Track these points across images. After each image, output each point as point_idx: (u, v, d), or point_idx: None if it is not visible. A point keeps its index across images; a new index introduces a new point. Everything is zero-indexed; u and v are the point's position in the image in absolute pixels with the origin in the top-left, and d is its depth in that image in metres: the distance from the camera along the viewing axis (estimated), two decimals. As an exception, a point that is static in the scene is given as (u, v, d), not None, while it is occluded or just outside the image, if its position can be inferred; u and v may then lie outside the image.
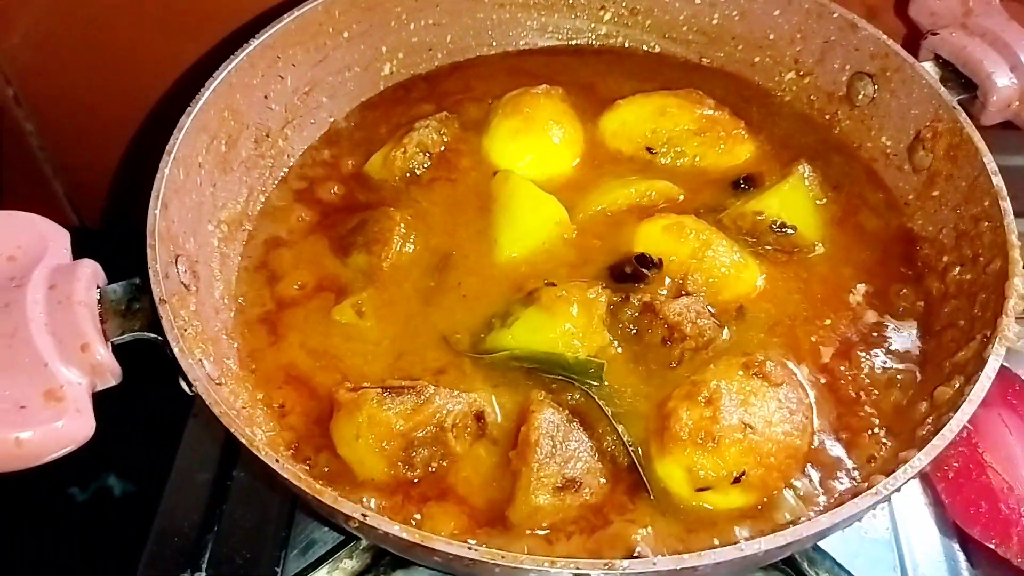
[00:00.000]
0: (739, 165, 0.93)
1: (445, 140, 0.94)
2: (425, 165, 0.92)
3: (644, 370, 0.78)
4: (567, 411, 0.73)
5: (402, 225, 0.87)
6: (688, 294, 0.80)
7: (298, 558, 0.85)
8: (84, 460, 1.26)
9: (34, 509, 1.25)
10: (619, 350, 0.79)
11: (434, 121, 0.94)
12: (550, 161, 0.93)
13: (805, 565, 0.81)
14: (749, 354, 0.77)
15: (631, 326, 0.79)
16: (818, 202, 0.89)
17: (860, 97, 0.92)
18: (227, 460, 0.92)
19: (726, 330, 0.80)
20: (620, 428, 0.73)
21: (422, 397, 0.73)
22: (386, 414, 0.72)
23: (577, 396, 0.75)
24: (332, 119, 0.99)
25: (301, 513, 0.87)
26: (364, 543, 0.82)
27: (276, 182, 0.93)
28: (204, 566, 0.85)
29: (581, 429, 0.73)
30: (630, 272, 0.82)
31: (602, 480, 0.71)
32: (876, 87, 0.91)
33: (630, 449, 0.72)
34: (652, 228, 0.85)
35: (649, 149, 0.93)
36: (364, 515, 0.60)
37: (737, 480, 0.69)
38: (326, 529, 0.86)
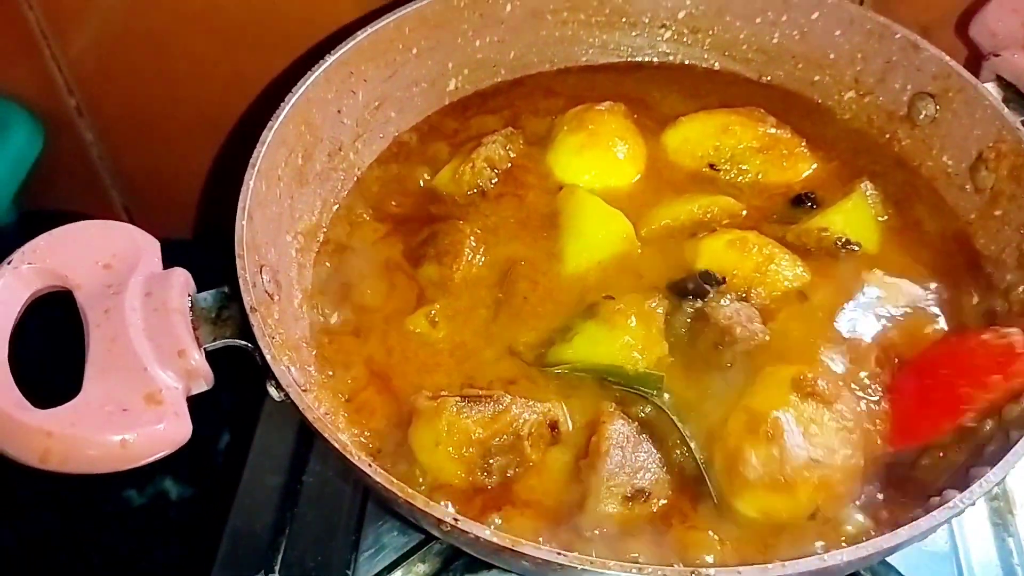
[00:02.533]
0: (800, 182, 0.94)
1: (511, 156, 0.96)
2: (492, 181, 0.94)
3: (700, 374, 0.80)
4: (636, 423, 0.75)
5: (472, 238, 0.89)
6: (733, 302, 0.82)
7: (368, 561, 0.87)
8: (141, 463, 1.29)
9: (91, 511, 1.27)
10: (671, 359, 0.80)
11: (500, 137, 0.96)
12: (613, 175, 0.94)
13: (868, 577, 0.83)
14: (797, 367, 0.77)
15: (684, 332, 0.81)
16: (880, 219, 0.91)
17: (921, 117, 0.94)
18: (296, 465, 0.94)
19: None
20: (693, 445, 0.75)
21: (500, 406, 0.75)
22: (465, 422, 0.74)
23: (648, 409, 0.77)
24: (398, 133, 1.01)
25: (369, 518, 0.90)
26: (436, 547, 0.84)
27: (347, 194, 0.96)
28: (277, 568, 0.87)
29: (650, 441, 0.74)
30: (692, 288, 0.83)
31: (669, 492, 0.73)
32: (938, 107, 0.92)
33: (702, 466, 0.74)
34: (716, 243, 0.87)
35: (712, 165, 0.95)
36: (456, 519, 0.62)
37: (812, 517, 0.71)
38: (395, 533, 0.88)
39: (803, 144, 0.95)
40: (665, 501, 0.73)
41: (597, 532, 0.71)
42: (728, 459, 0.74)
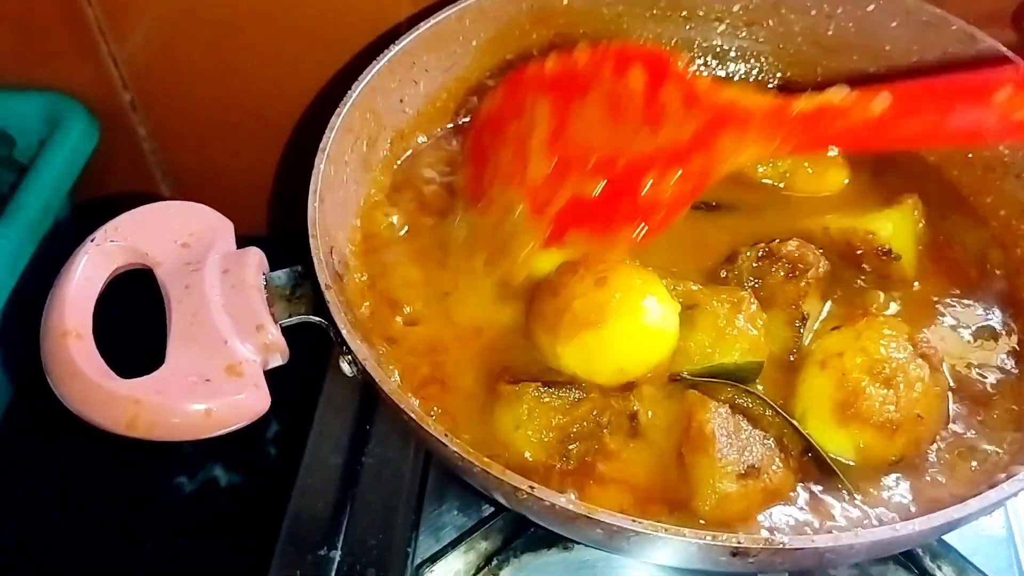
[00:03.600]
0: (828, 196, 0.94)
1: None
2: None
3: (778, 314, 0.82)
4: (728, 405, 0.76)
5: None
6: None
7: (428, 539, 0.88)
8: (191, 450, 1.32)
9: (143, 498, 1.29)
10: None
11: None
12: None
13: (928, 560, 0.83)
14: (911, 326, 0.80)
15: (752, 279, 0.83)
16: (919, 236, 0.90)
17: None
18: (356, 445, 0.96)
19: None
20: (795, 423, 0.76)
21: (582, 393, 0.76)
22: (546, 407, 0.75)
23: (733, 394, 0.78)
24: (455, 124, 1.02)
25: (429, 497, 0.91)
26: (498, 524, 0.85)
27: (405, 182, 0.97)
28: (340, 545, 0.89)
29: (744, 420, 0.75)
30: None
31: (776, 465, 0.74)
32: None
33: (808, 436, 0.76)
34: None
35: None
36: (532, 487, 0.63)
37: (894, 463, 0.74)
38: (455, 512, 0.90)
39: (835, 151, 0.94)
40: (775, 477, 0.74)
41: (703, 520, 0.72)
42: (845, 393, 0.75)
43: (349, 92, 0.87)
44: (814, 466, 0.75)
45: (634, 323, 0.75)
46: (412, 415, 0.67)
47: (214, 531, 1.26)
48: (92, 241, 0.74)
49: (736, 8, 1.04)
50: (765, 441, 0.75)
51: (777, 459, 0.74)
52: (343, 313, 0.73)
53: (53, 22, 1.18)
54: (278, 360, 0.74)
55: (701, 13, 1.05)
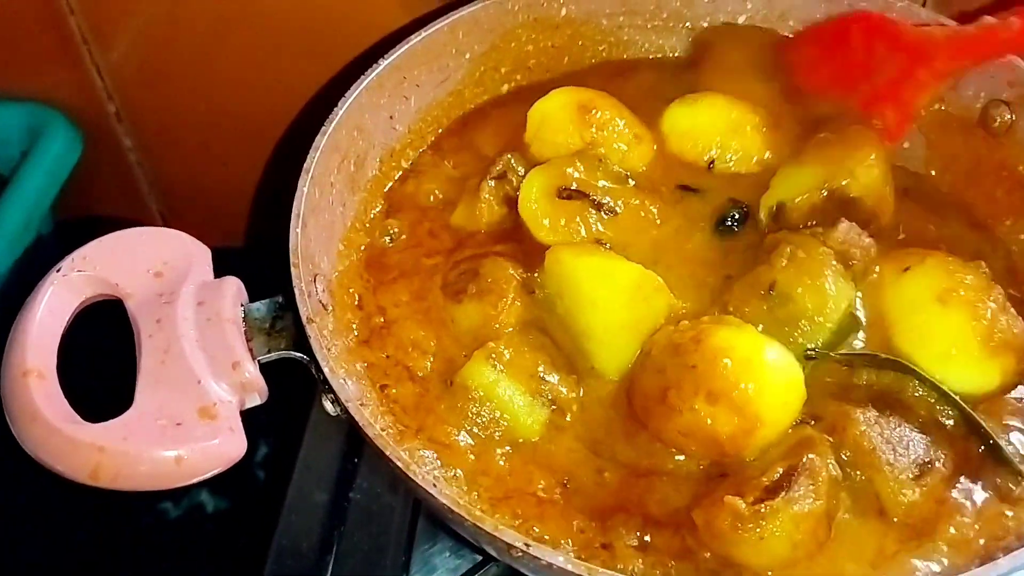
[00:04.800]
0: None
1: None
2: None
3: None
4: (867, 405, 0.72)
5: (516, 276, 0.80)
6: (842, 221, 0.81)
7: (420, 583, 0.84)
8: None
9: (127, 523, 1.26)
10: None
11: (504, 166, 0.87)
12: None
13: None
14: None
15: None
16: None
17: (996, 124, 0.90)
18: (343, 481, 0.92)
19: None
20: (948, 391, 0.73)
21: None
22: None
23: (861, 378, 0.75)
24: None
25: (420, 537, 0.87)
26: (492, 570, 0.81)
27: (395, 203, 0.92)
28: (325, 588, 0.85)
29: (887, 414, 0.71)
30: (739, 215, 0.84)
31: (941, 451, 0.70)
32: (1013, 115, 0.89)
33: (954, 395, 0.72)
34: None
35: (710, 164, 0.89)
36: (527, 544, 0.59)
37: None
38: (447, 554, 0.86)
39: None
40: (947, 458, 0.70)
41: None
42: (983, 324, 0.73)
43: (335, 110, 0.83)
44: (971, 431, 0.72)
45: (774, 378, 0.71)
46: (398, 463, 0.63)
47: (200, 558, 1.24)
48: (58, 271, 0.70)
49: (741, 19, 1.00)
50: (916, 426, 0.71)
51: (936, 442, 0.71)
52: (325, 349, 0.68)
53: (35, 30, 1.14)
54: (256, 400, 0.69)
55: (705, 24, 1.01)
